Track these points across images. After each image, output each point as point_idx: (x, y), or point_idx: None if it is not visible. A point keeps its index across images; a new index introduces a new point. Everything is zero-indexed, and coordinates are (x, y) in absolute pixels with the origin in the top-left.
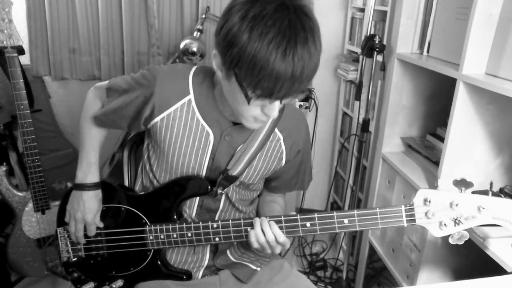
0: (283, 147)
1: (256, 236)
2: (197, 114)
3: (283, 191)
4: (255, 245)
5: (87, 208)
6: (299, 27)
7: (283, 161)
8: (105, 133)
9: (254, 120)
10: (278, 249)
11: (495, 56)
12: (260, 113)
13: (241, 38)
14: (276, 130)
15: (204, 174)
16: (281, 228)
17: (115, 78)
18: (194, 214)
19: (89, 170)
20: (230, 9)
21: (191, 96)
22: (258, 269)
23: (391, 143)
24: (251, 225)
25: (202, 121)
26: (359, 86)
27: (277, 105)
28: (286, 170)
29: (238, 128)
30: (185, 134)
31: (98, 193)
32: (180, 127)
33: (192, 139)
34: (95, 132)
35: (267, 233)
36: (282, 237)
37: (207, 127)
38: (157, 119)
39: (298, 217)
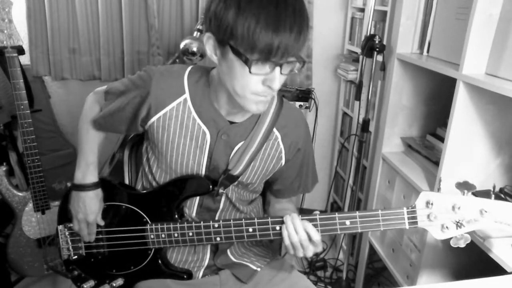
0: (281, 146)
1: (288, 235)
2: (193, 113)
3: (287, 195)
4: (287, 242)
5: (89, 208)
6: None
7: (283, 161)
8: (103, 135)
9: (257, 99)
10: (310, 251)
11: (495, 56)
12: (261, 88)
13: (230, 9)
14: (274, 129)
15: (203, 173)
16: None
17: (113, 82)
18: (194, 214)
19: (87, 170)
20: None
21: (186, 95)
22: (258, 269)
23: (391, 143)
24: (252, 225)
25: (198, 120)
26: (359, 86)
27: (277, 74)
28: (287, 170)
29: (235, 127)
30: (182, 133)
31: (98, 193)
32: (177, 126)
33: (189, 138)
34: (93, 134)
35: (299, 231)
36: (316, 236)
37: (203, 126)
38: (154, 119)
39: (300, 218)
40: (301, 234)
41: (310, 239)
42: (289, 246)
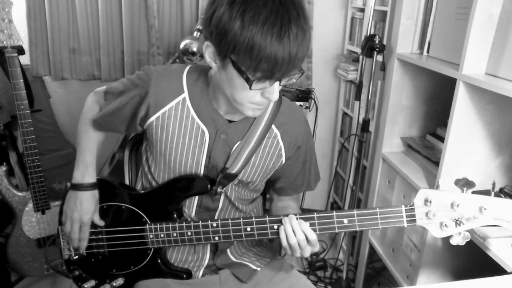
0: (281, 143)
1: (286, 236)
2: (192, 112)
3: (290, 192)
4: (285, 244)
5: (84, 208)
6: (289, 5)
7: (283, 158)
8: (103, 136)
9: (254, 107)
10: (307, 251)
11: (495, 56)
12: (260, 99)
13: (234, 24)
14: (273, 126)
15: (202, 172)
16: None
17: (113, 82)
18: (193, 214)
19: (86, 171)
20: None
21: (185, 94)
22: (258, 269)
23: (391, 143)
24: (250, 224)
25: (197, 119)
26: (359, 86)
27: (276, 87)
28: (288, 168)
29: (233, 126)
30: (181, 132)
31: (95, 194)
32: (176, 125)
33: (188, 138)
34: (92, 134)
35: (297, 232)
36: (312, 235)
37: (202, 125)
38: (153, 118)
39: (298, 217)
40: (299, 235)
41: (307, 239)
42: (287, 247)
